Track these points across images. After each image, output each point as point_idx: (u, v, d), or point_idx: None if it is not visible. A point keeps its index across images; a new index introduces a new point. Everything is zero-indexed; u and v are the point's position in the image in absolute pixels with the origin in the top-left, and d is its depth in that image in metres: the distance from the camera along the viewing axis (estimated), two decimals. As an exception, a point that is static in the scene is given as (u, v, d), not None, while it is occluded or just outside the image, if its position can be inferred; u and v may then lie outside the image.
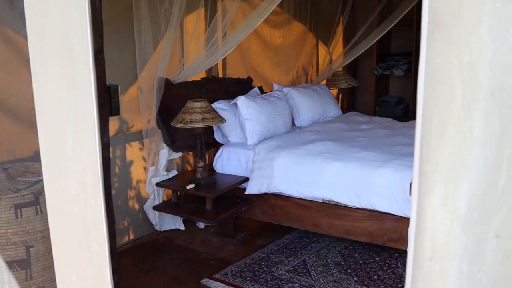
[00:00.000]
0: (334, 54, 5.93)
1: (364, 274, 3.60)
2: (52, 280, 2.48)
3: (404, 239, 3.53)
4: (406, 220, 3.49)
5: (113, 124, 3.72)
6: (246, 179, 4.09)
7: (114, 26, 3.66)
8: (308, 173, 3.79)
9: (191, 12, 4.20)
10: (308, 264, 3.75)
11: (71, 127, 1.32)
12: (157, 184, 3.99)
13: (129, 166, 3.95)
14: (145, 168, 4.07)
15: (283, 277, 3.57)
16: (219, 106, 4.29)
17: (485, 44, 0.77)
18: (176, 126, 3.77)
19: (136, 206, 4.08)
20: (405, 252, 3.73)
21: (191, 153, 4.44)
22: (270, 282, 3.50)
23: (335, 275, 3.59)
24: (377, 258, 3.84)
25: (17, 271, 2.49)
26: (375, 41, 5.57)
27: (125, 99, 3.81)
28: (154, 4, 3.81)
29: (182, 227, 4.23)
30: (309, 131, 4.47)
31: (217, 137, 4.41)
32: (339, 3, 5.91)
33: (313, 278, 3.54)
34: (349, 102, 6.52)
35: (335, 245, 4.06)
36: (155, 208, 3.99)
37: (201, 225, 4.31)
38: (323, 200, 3.84)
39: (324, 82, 5.85)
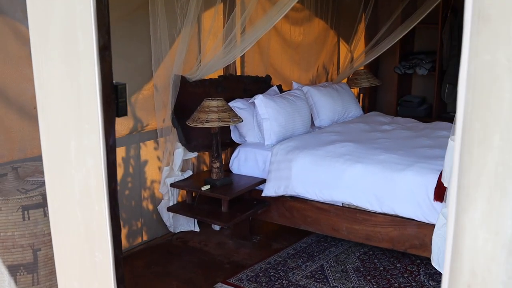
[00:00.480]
0: (356, 53, 5.79)
1: (385, 281, 3.46)
2: (60, 285, 2.39)
3: (426, 246, 3.39)
4: (429, 226, 3.34)
5: (127, 122, 3.66)
6: (263, 181, 3.97)
7: (129, 22, 3.58)
8: (327, 175, 3.66)
9: (209, 8, 4.10)
10: (326, 270, 3.63)
11: (75, 128, 1.26)
12: (172, 185, 3.90)
13: (143, 166, 3.87)
14: (159, 168, 3.99)
15: (300, 283, 3.45)
16: (237, 105, 4.19)
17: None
18: (192, 125, 3.67)
19: (150, 207, 3.99)
20: (427, 259, 3.58)
21: (207, 153, 4.36)
22: (287, 289, 3.38)
23: (354, 281, 3.45)
24: (398, 265, 3.69)
25: (24, 275, 2.41)
26: (398, 39, 5.41)
27: (140, 97, 3.74)
28: (171, -1, 3.72)
29: (197, 229, 4.13)
30: (329, 132, 4.33)
31: (234, 136, 4.30)
32: (362, 0, 5.76)
33: (331, 285, 3.41)
34: (370, 102, 6.37)
35: (354, 250, 3.93)
36: (169, 209, 3.90)
37: (216, 227, 4.21)
38: (342, 204, 3.70)
39: (344, 81, 5.72)
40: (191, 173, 4.09)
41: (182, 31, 3.76)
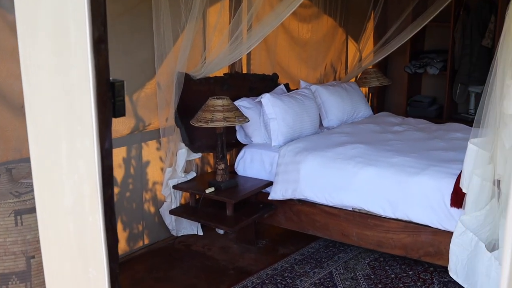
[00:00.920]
0: (365, 51, 5.62)
1: (397, 290, 3.31)
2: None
3: (442, 254, 3.23)
4: (445, 233, 3.19)
5: (129, 121, 3.53)
6: (270, 183, 3.82)
7: (131, 16, 3.45)
8: (337, 178, 3.50)
9: (215, 3, 3.97)
10: (335, 277, 3.47)
11: (66, 129, 1.15)
12: (175, 187, 3.76)
13: (145, 167, 3.74)
14: (162, 169, 3.85)
15: (308, 291, 3.29)
16: (243, 104, 4.03)
17: None
18: (196, 125, 3.52)
19: (152, 210, 3.86)
20: (441, 267, 3.43)
21: (211, 153, 4.22)
22: (294, 297, 3.23)
23: (365, 290, 3.30)
24: (410, 272, 3.53)
25: (16, 284, 2.26)
26: (409, 37, 5.25)
27: (142, 95, 3.61)
28: (175, -7, 3.57)
29: (200, 233, 3.98)
30: (338, 133, 4.17)
31: (240, 137, 4.15)
32: (371, -2, 5.61)
33: (341, 294, 3.26)
34: (378, 102, 6.20)
35: (364, 256, 3.77)
36: (172, 212, 3.76)
37: (220, 230, 4.07)
38: (353, 208, 3.54)
39: (352, 80, 5.56)
40: (194, 174, 3.95)
41: (187, 26, 3.62)
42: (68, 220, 1.25)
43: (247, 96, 4.23)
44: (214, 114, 3.47)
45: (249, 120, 3.71)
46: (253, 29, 3.94)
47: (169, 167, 3.78)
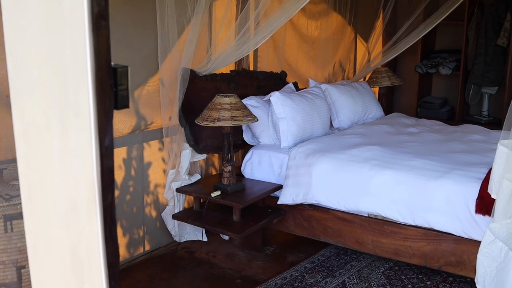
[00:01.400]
0: (374, 51, 5.42)
1: (416, 302, 3.09)
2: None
3: (465, 264, 3.02)
4: (469, 242, 2.98)
5: (129, 120, 3.35)
6: (279, 187, 3.61)
7: (133, 8, 3.27)
8: (352, 182, 3.29)
9: (221, -4, 3.77)
10: (349, 287, 3.25)
11: (59, 122, 0.98)
12: (178, 190, 3.57)
13: (146, 168, 3.55)
14: (164, 171, 3.66)
15: (321, 303, 3.08)
16: (250, 102, 3.84)
17: None
18: (202, 124, 3.31)
19: (153, 214, 3.67)
20: (462, 278, 3.21)
21: (216, 155, 4.03)
22: (306, 310, 3.01)
23: (382, 302, 3.08)
24: (428, 282, 3.32)
25: (5, 297, 2.04)
26: (420, 37, 5.05)
27: (144, 92, 3.43)
28: (180, -16, 3.39)
29: (205, 239, 3.77)
30: (351, 134, 3.96)
31: (246, 137, 3.94)
32: (382, -5, 5.42)
33: (357, 306, 3.04)
34: (387, 103, 5.99)
35: (378, 265, 3.56)
36: (175, 216, 3.56)
37: (225, 236, 3.85)
38: (368, 214, 3.33)
39: (362, 79, 5.36)
40: (199, 177, 3.77)
41: (193, 19, 3.44)
42: (61, 231, 1.05)
43: (255, 94, 4.04)
44: (221, 112, 3.26)
45: (258, 120, 3.50)
46: (261, 25, 3.75)
47: (172, 169, 3.60)
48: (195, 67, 3.61)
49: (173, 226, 3.68)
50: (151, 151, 3.58)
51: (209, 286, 3.30)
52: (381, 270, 3.49)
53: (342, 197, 3.33)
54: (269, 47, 4.40)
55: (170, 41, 3.43)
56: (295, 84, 4.44)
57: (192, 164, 3.74)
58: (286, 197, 3.52)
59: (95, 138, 1.05)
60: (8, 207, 2.06)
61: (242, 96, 3.84)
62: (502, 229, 2.57)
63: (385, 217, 3.26)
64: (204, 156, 3.76)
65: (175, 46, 3.46)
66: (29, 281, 2.09)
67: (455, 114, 5.73)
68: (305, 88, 4.45)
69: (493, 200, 2.68)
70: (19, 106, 1.03)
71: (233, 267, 3.53)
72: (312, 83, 4.49)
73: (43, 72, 0.97)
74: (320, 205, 3.49)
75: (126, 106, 1.21)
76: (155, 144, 3.60)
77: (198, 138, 3.63)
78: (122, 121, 3.31)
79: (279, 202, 3.57)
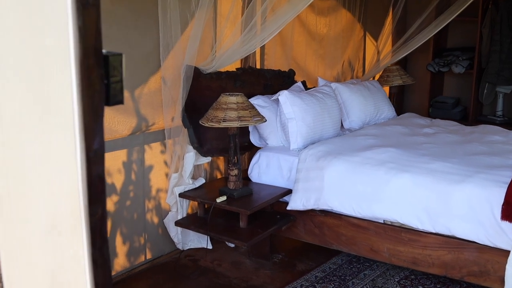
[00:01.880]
0: (384, 49, 5.24)
1: (435, 315, 2.89)
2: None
3: (488, 274, 2.82)
4: (493, 250, 2.78)
5: (130, 121, 3.19)
6: (289, 192, 3.42)
7: (134, 0, 3.08)
8: (367, 186, 3.10)
9: (227, -11, 3.60)
10: (363, 298, 3.06)
11: (35, 121, 0.82)
12: (181, 195, 3.40)
13: (147, 172, 3.39)
14: (167, 175, 3.50)
15: (334, 316, 2.88)
16: (257, 102, 3.66)
17: None
18: (206, 125, 3.13)
19: (155, 220, 3.50)
20: (483, 288, 3.01)
21: (221, 158, 3.88)
22: (319, 324, 2.81)
23: (399, 315, 2.88)
24: (446, 293, 3.13)
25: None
26: (432, 34, 4.86)
27: (145, 91, 3.27)
28: (183, -24, 3.22)
29: (209, 246, 3.58)
30: (364, 135, 3.77)
31: (253, 139, 3.76)
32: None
33: (373, 320, 2.84)
34: (398, 102, 5.80)
35: (393, 273, 3.36)
36: (178, 223, 3.39)
37: (231, 243, 3.67)
38: (384, 220, 3.13)
39: (371, 79, 5.17)
40: (203, 181, 3.60)
41: (197, 14, 3.27)
42: (39, 253, 0.87)
43: (262, 93, 3.88)
44: (227, 112, 3.08)
45: (266, 120, 3.32)
46: (267, 21, 3.58)
47: (175, 173, 3.44)
48: (199, 64, 3.45)
49: (176, 233, 3.52)
50: (153, 154, 3.42)
51: (215, 297, 3.11)
52: (396, 279, 3.29)
53: (356, 203, 3.14)
54: (276, 44, 4.23)
55: (173, 37, 3.27)
56: (303, 83, 4.26)
57: (196, 167, 3.58)
58: (296, 203, 3.33)
59: (80, 139, 0.87)
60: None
61: (249, 96, 3.67)
62: (534, 238, 2.37)
63: (402, 224, 3.06)
64: (208, 159, 3.60)
65: (178, 42, 3.29)
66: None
67: (468, 114, 5.54)
68: (314, 87, 4.27)
69: (523, 206, 2.49)
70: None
71: (239, 276, 3.36)
72: (321, 82, 4.30)
73: (18, 59, 0.79)
74: (332, 211, 3.30)
75: (120, 101, 1.01)
76: (156, 146, 3.44)
77: (203, 140, 3.46)
78: (121, 122, 3.13)
79: (288, 208, 3.38)
